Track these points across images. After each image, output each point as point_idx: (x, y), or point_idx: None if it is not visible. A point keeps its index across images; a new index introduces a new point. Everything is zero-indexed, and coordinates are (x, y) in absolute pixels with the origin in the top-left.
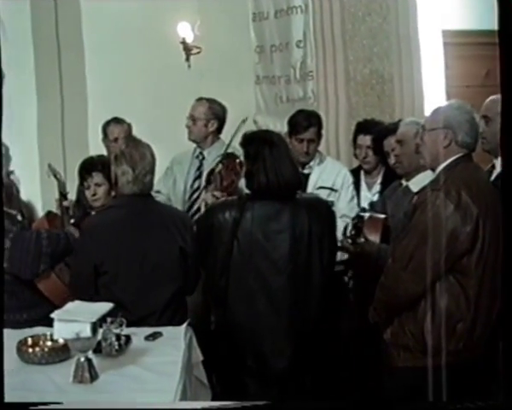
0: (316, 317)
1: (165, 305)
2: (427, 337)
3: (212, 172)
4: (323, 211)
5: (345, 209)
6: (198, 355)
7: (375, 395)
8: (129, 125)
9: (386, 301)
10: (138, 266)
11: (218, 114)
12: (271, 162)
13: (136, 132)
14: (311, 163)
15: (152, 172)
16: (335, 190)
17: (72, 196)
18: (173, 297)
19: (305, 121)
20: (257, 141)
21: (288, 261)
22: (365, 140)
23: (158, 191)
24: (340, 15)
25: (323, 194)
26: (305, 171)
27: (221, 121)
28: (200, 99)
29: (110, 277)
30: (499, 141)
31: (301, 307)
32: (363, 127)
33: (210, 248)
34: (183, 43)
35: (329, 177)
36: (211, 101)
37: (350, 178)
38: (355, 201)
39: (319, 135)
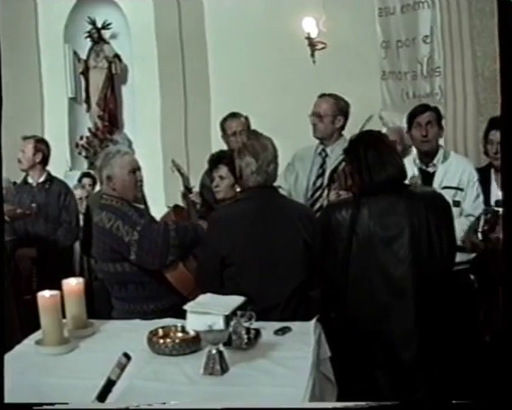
0: (440, 305)
1: (289, 298)
2: None
3: (335, 170)
4: (439, 202)
5: (470, 208)
6: (326, 351)
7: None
8: (246, 119)
9: None
10: (264, 258)
11: (343, 109)
12: (366, 164)
13: (259, 128)
14: (435, 160)
15: (275, 162)
16: (461, 189)
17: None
18: (296, 290)
19: (421, 107)
20: (353, 143)
21: (408, 250)
22: (498, 136)
23: (279, 186)
24: (467, 11)
25: (449, 194)
26: (430, 169)
27: (346, 117)
28: (323, 95)
29: (236, 268)
30: None
31: (425, 294)
32: (497, 123)
33: (328, 248)
34: (308, 38)
35: (455, 175)
36: (335, 96)
37: (475, 175)
38: (480, 199)
39: (439, 123)
